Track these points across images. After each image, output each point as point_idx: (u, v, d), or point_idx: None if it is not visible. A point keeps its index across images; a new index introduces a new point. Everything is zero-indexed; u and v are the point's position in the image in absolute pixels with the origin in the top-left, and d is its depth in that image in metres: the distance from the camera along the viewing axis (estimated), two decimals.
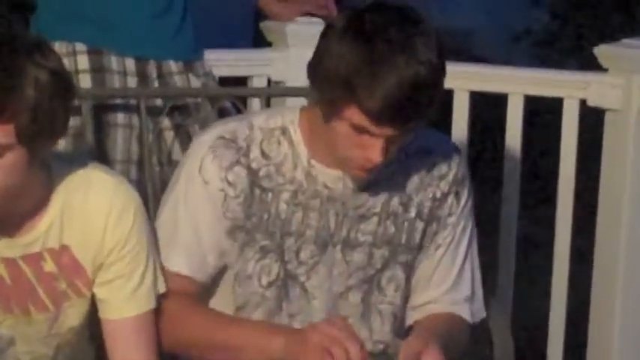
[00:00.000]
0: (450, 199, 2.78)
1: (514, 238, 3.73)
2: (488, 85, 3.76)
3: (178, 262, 2.68)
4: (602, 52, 3.54)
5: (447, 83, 3.23)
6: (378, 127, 2.46)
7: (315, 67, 2.55)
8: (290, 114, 2.75)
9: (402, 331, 2.85)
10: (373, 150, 2.50)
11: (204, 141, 2.70)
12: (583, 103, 3.60)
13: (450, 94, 3.61)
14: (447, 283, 2.81)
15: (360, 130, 2.49)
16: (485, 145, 3.91)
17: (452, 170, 2.79)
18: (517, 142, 3.69)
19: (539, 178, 4.04)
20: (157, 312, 2.68)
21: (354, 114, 2.46)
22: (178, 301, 2.69)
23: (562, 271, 3.72)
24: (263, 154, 2.68)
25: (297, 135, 2.69)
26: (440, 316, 2.79)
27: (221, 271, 2.73)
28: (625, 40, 3.63)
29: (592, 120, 3.68)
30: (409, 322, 2.85)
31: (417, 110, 2.47)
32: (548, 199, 3.80)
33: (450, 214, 2.79)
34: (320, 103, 2.58)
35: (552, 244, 3.73)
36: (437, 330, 2.68)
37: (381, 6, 2.58)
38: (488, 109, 3.75)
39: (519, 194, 3.73)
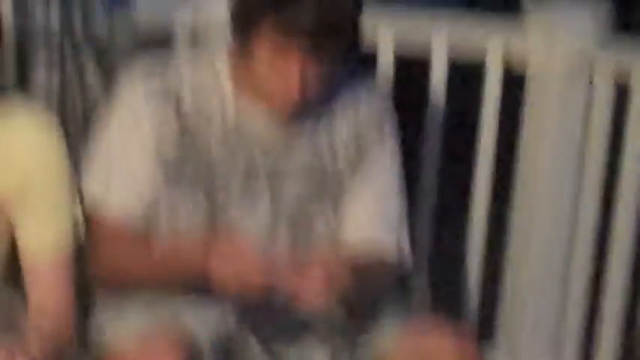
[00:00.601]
0: (372, 130, 2.81)
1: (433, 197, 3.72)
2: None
3: (114, 199, 2.68)
4: (528, 14, 3.46)
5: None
6: (290, 40, 2.49)
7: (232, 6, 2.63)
8: (217, 59, 2.76)
9: None
10: (291, 74, 2.53)
11: (134, 75, 2.72)
12: (506, 63, 3.54)
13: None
14: (372, 208, 2.82)
15: (275, 51, 2.52)
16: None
17: (373, 108, 2.83)
18: (440, 106, 3.67)
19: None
20: (97, 245, 2.68)
21: (265, 33, 2.50)
22: (117, 237, 2.69)
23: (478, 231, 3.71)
24: (194, 102, 2.70)
25: (225, 80, 2.71)
26: (363, 249, 2.82)
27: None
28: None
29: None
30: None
31: (324, 31, 2.48)
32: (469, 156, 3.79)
33: (372, 143, 2.80)
34: (238, 28, 2.61)
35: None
36: (353, 257, 2.72)
37: None
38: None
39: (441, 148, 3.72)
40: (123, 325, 2.70)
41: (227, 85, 2.75)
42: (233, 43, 2.71)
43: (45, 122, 2.68)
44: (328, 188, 2.84)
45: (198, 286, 2.62)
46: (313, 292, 2.50)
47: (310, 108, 2.74)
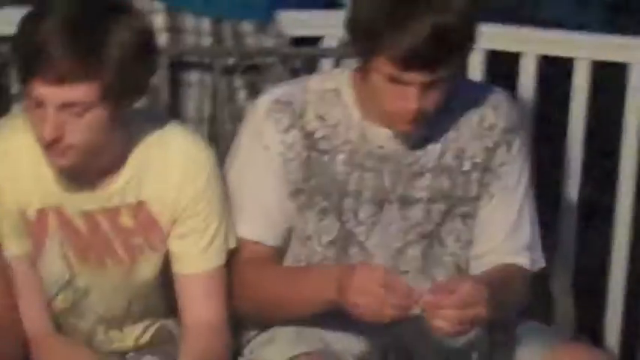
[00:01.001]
0: (502, 148, 2.80)
1: (575, 200, 3.68)
2: (555, 49, 3.69)
3: (245, 230, 2.73)
4: None
5: (515, 47, 3.26)
6: (407, 74, 2.51)
7: (348, 21, 2.61)
8: (343, 76, 2.79)
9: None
10: (408, 99, 2.55)
11: (262, 104, 2.76)
12: None
13: (517, 57, 3.61)
14: (505, 230, 2.83)
15: (392, 80, 2.54)
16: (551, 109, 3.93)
17: (501, 119, 2.81)
18: (582, 108, 3.63)
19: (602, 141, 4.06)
20: (232, 272, 2.73)
21: (383, 64, 2.53)
22: (251, 266, 2.73)
23: (623, 230, 3.67)
24: (318, 116, 2.73)
25: (349, 96, 2.73)
26: (497, 266, 2.80)
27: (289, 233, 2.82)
28: None
29: None
30: (473, 273, 2.89)
31: (441, 56, 2.52)
32: (611, 163, 3.75)
33: (502, 164, 2.80)
34: (357, 58, 2.66)
35: (613, 208, 3.71)
36: (488, 275, 2.70)
37: None
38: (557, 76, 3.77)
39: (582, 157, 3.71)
40: (275, 351, 2.71)
41: (352, 105, 2.74)
42: (357, 66, 2.75)
43: (197, 145, 2.72)
44: (457, 209, 2.83)
45: (334, 311, 2.64)
46: (448, 319, 2.49)
47: (430, 120, 2.71)
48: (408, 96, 2.57)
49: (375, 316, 2.49)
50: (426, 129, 2.73)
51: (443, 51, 2.53)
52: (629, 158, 3.65)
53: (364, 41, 2.59)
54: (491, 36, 3.42)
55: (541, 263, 2.90)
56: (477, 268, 2.86)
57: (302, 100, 2.73)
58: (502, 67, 3.63)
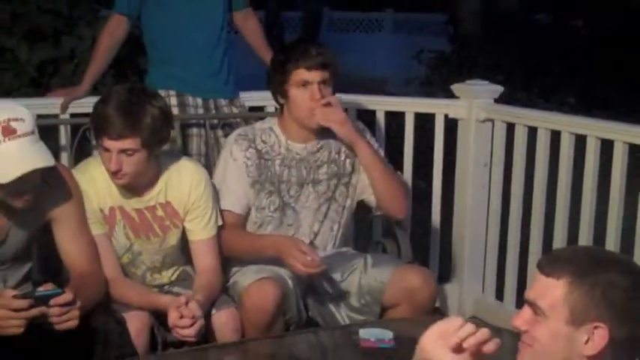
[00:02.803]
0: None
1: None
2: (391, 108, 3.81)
3: (228, 205, 2.85)
4: (456, 88, 3.68)
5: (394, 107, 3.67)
6: (313, 72, 2.76)
7: (270, 79, 2.89)
8: (272, 120, 2.98)
9: (348, 216, 3.04)
10: (315, 91, 2.77)
11: (231, 138, 2.93)
12: (446, 116, 3.66)
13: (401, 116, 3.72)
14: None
15: (305, 83, 2.77)
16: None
17: (355, 125, 3.00)
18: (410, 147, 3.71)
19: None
20: (220, 237, 2.81)
21: (299, 73, 2.77)
22: (230, 229, 2.84)
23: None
24: (262, 141, 2.89)
25: (277, 129, 2.92)
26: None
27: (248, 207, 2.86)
28: (467, 82, 3.73)
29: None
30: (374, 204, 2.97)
31: (327, 61, 2.78)
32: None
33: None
34: (278, 94, 2.86)
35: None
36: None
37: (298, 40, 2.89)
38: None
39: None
40: (245, 278, 2.76)
41: (279, 134, 2.92)
42: (280, 114, 2.90)
43: (197, 167, 2.87)
44: (341, 181, 2.96)
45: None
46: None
47: (323, 134, 2.86)
48: (314, 89, 2.78)
49: (299, 270, 2.67)
50: (318, 143, 2.91)
51: (324, 65, 2.78)
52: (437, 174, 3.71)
53: (280, 79, 2.82)
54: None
55: (408, 187, 3.14)
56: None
57: (253, 133, 2.90)
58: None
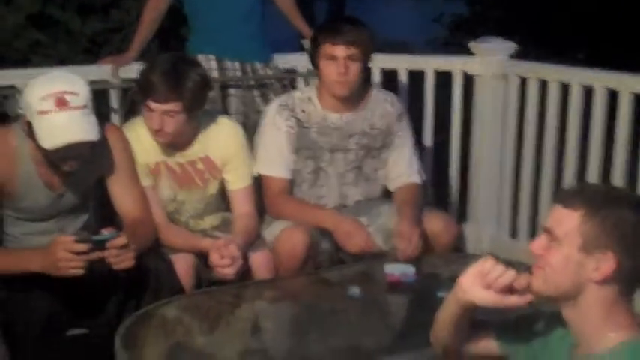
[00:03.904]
0: (396, 123, 2.96)
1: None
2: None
3: (276, 171, 2.85)
4: (472, 46, 3.60)
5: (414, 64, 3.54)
6: (339, 47, 2.70)
7: (310, 48, 2.84)
8: (310, 88, 2.93)
9: (375, 186, 3.01)
10: (340, 65, 2.72)
11: (273, 107, 2.88)
12: (464, 73, 3.60)
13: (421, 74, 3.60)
14: (405, 163, 2.97)
15: (332, 57, 2.72)
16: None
17: (394, 108, 2.96)
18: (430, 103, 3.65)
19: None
20: (272, 203, 2.81)
21: (326, 48, 2.73)
22: (282, 196, 2.85)
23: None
24: (301, 110, 2.86)
25: (314, 98, 2.87)
26: (408, 189, 2.92)
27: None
28: (482, 39, 3.63)
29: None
30: (391, 188, 2.97)
31: (354, 39, 2.71)
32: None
33: (398, 130, 2.96)
34: (314, 64, 2.80)
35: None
36: (411, 202, 2.83)
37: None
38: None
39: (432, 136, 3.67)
40: (277, 227, 2.78)
41: (316, 103, 2.87)
42: (315, 72, 2.84)
43: (237, 126, 2.89)
44: (371, 153, 2.93)
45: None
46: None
47: (355, 100, 2.81)
48: (340, 64, 2.72)
49: (353, 248, 2.68)
50: (353, 115, 2.85)
51: (354, 37, 2.71)
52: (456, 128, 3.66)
53: (314, 47, 2.78)
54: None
55: (423, 177, 3.04)
56: (394, 185, 2.95)
57: (292, 103, 2.85)
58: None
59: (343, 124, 2.87)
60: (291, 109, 2.84)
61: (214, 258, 2.50)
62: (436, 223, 2.79)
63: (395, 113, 2.95)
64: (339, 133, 2.87)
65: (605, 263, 1.50)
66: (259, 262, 2.68)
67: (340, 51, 2.71)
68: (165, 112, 2.57)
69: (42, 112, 2.23)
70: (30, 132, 2.29)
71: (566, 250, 1.52)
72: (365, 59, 2.76)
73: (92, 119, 2.31)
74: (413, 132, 3.03)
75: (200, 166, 2.77)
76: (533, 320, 1.71)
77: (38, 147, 2.30)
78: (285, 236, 2.67)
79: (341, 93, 2.78)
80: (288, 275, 2.65)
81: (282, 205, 2.80)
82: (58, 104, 2.23)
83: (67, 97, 2.25)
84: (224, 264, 2.49)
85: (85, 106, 2.29)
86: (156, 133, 2.62)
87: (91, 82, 3.06)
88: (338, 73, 2.72)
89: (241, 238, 2.63)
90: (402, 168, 2.95)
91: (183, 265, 2.56)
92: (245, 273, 2.62)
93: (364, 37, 2.74)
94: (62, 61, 4.15)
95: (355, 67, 2.73)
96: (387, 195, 2.99)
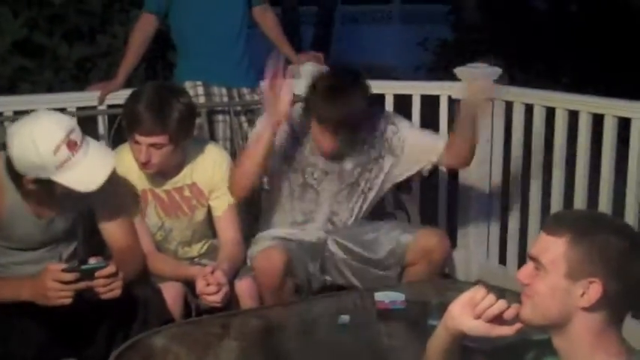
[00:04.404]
0: (389, 130, 2.93)
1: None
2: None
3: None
4: (458, 71, 3.56)
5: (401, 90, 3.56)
6: (328, 127, 2.71)
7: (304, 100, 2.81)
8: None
9: (370, 198, 2.98)
10: (328, 141, 2.76)
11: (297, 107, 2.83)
12: (450, 97, 3.60)
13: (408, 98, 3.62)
14: (429, 138, 3.00)
15: (321, 131, 2.75)
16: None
17: (381, 121, 2.95)
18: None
19: None
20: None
21: (316, 122, 2.74)
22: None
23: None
24: (299, 122, 2.84)
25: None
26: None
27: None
28: (468, 65, 3.60)
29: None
30: (435, 159, 2.94)
31: (345, 125, 2.71)
32: None
33: (394, 133, 2.93)
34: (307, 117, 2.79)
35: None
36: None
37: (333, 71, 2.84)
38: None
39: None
40: (257, 245, 2.84)
41: (303, 137, 2.87)
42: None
43: (223, 152, 2.91)
44: (368, 166, 2.88)
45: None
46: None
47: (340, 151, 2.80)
48: (325, 139, 2.76)
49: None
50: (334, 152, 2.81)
51: (343, 120, 2.70)
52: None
53: (306, 110, 2.79)
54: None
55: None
56: (435, 155, 2.93)
57: (291, 110, 2.77)
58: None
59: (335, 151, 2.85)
60: (289, 116, 2.81)
61: (200, 285, 2.49)
62: (430, 239, 2.82)
63: (383, 125, 2.95)
64: (332, 158, 2.86)
65: (592, 290, 1.49)
66: (243, 289, 2.68)
67: (329, 130, 2.73)
68: (152, 144, 2.57)
69: (61, 165, 2.23)
70: (37, 186, 2.30)
71: (553, 278, 1.52)
72: (357, 124, 2.76)
73: (94, 140, 2.36)
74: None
75: (187, 192, 2.77)
76: (523, 349, 1.71)
77: (27, 181, 2.30)
78: (263, 256, 2.69)
79: (330, 159, 2.83)
80: (268, 299, 2.68)
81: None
82: (70, 149, 2.24)
83: (73, 138, 2.25)
84: (210, 291, 2.48)
85: (82, 133, 2.30)
86: (143, 165, 2.63)
87: (79, 109, 3.21)
88: (326, 147, 2.77)
89: (227, 264, 2.62)
90: (429, 140, 2.98)
91: (171, 294, 2.56)
92: (232, 300, 2.63)
93: (349, 115, 2.70)
94: (49, 87, 4.19)
95: (345, 140, 2.76)
96: (379, 207, 3.05)
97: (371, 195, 2.95)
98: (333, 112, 2.68)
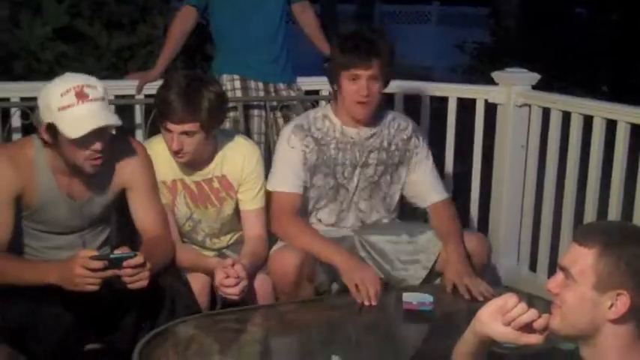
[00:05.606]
0: (413, 140, 2.94)
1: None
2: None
3: (285, 186, 2.82)
4: (496, 75, 3.63)
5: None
6: (356, 70, 2.69)
7: (325, 70, 2.87)
8: (326, 107, 2.95)
9: (390, 202, 2.97)
10: (360, 86, 2.72)
11: (288, 130, 2.87)
12: (486, 101, 3.62)
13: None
14: (430, 181, 2.96)
15: (353, 77, 2.72)
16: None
17: (409, 126, 2.96)
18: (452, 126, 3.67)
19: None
20: (277, 220, 2.77)
21: (345, 73, 2.72)
22: (285, 209, 2.79)
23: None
24: (317, 129, 2.85)
25: (331, 115, 2.86)
26: (443, 211, 2.89)
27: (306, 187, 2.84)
28: (506, 69, 3.65)
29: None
30: (424, 205, 2.95)
31: (370, 58, 2.68)
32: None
33: (415, 147, 2.94)
34: (333, 81, 2.80)
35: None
36: (452, 229, 2.81)
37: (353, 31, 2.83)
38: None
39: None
40: (275, 245, 2.79)
41: (333, 119, 2.86)
42: (334, 101, 2.85)
43: (255, 147, 2.90)
44: (388, 169, 2.90)
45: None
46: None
47: (373, 117, 2.80)
48: (361, 84, 2.71)
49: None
50: (371, 130, 2.84)
51: (368, 57, 2.69)
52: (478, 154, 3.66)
53: (333, 76, 2.78)
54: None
55: (450, 193, 3.05)
56: (423, 202, 2.94)
57: (307, 122, 2.85)
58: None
59: (362, 139, 2.86)
60: (307, 129, 2.83)
61: (219, 277, 2.47)
62: (470, 243, 2.80)
63: (410, 130, 2.95)
64: (357, 148, 2.86)
65: (620, 302, 1.49)
66: (258, 285, 2.67)
67: (361, 72, 2.71)
68: (183, 132, 2.57)
69: (63, 108, 2.25)
70: (50, 138, 2.31)
71: (581, 289, 1.52)
72: (385, 76, 2.77)
73: (112, 109, 2.34)
74: (431, 151, 3.02)
75: (216, 184, 2.77)
76: (550, 357, 1.72)
77: (57, 155, 2.33)
78: (277, 257, 2.68)
79: (361, 116, 2.80)
80: (284, 299, 2.67)
81: (288, 224, 2.76)
82: (78, 97, 2.25)
83: (86, 90, 2.27)
84: (228, 284, 2.46)
85: (103, 98, 2.31)
86: (175, 154, 2.63)
87: (116, 98, 3.22)
88: (360, 95, 2.72)
89: (248, 259, 2.61)
90: (428, 184, 2.94)
91: (198, 285, 2.56)
92: (252, 296, 2.63)
93: (385, 50, 2.73)
94: (88, 74, 4.17)
95: (376, 88, 2.74)
96: (402, 211, 3.00)
97: (389, 199, 2.96)
98: (358, 40, 2.72)
